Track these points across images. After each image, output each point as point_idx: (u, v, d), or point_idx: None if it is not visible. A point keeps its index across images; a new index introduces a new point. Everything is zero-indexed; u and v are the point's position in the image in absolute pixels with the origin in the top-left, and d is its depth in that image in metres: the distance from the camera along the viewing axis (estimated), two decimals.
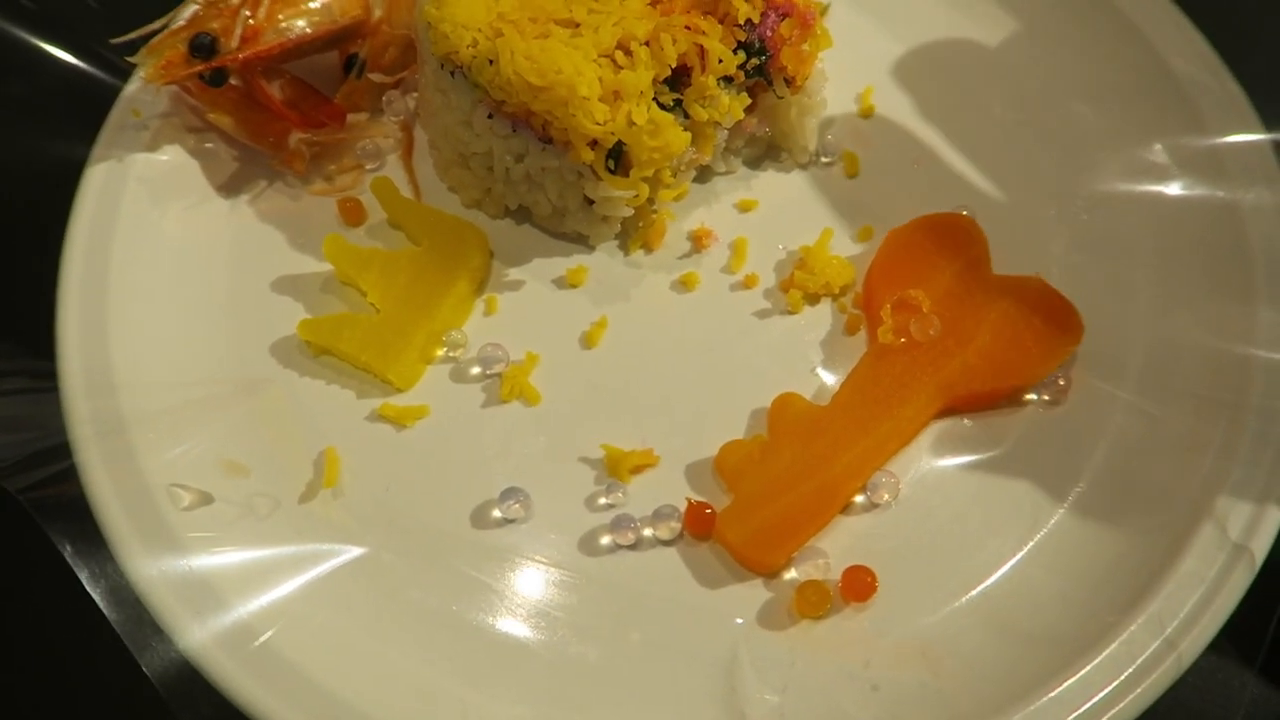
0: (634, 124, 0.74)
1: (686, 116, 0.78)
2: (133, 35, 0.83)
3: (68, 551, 0.65)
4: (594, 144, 0.75)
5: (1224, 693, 0.69)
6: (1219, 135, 0.82)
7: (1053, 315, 0.77)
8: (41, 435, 0.71)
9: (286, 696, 0.64)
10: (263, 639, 0.66)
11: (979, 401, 0.76)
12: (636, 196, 0.78)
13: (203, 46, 0.81)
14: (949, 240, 0.81)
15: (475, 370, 0.79)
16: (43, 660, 0.72)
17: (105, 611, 0.64)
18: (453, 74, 0.78)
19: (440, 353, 0.79)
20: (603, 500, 0.73)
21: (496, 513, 0.73)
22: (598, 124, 0.74)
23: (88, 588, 0.65)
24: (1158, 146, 0.85)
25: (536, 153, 0.79)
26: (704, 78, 0.76)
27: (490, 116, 0.78)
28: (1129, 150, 0.85)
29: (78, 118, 0.85)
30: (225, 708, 0.63)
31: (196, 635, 0.65)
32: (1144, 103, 0.87)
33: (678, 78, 0.77)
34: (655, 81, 0.76)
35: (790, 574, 0.70)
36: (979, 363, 0.76)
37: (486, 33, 0.75)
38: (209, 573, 0.68)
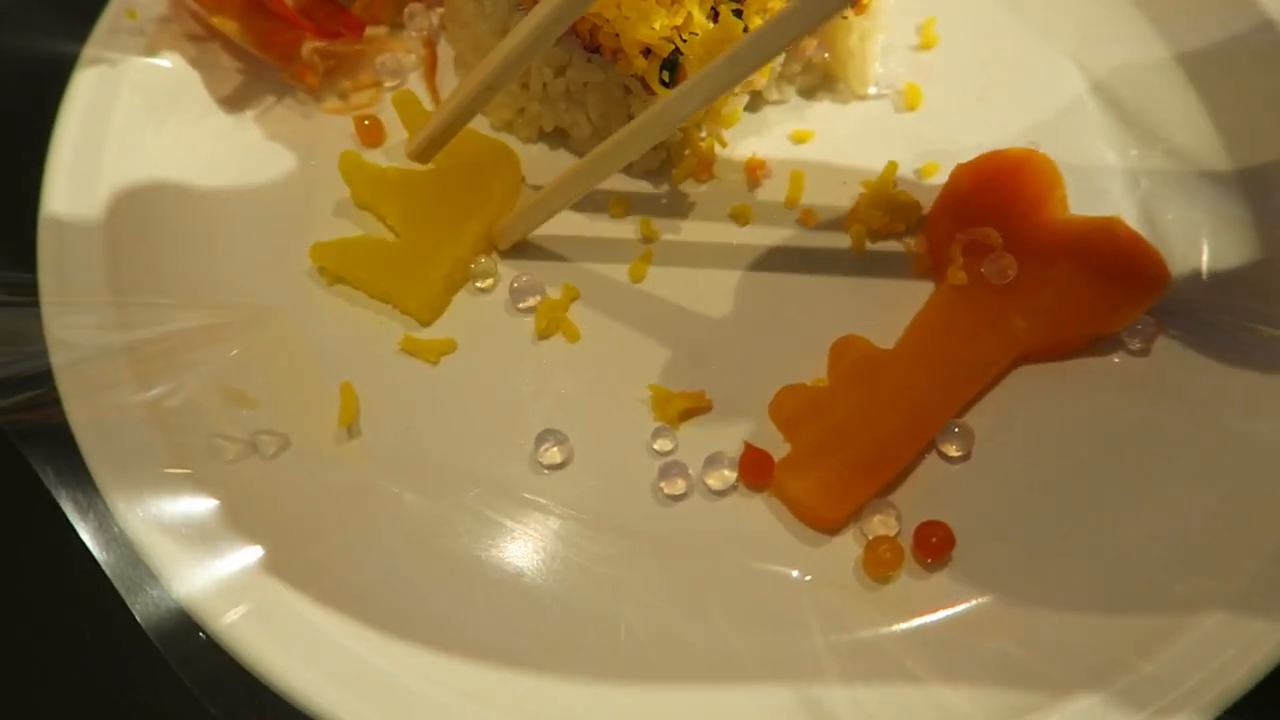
0: (694, 33, 0.67)
1: (745, 31, 0.71)
2: None
3: (50, 481, 0.57)
4: (647, 52, 0.68)
5: None
6: None
7: (1135, 259, 0.71)
8: (26, 355, 0.63)
9: (292, 650, 0.57)
10: (267, 588, 0.59)
11: (1058, 349, 0.70)
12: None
13: None
14: (1021, 177, 0.74)
15: (507, 303, 0.71)
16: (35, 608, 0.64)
17: (94, 553, 0.56)
18: None
19: (467, 283, 0.72)
20: (649, 446, 0.66)
21: (531, 456, 0.66)
22: (653, 29, 0.66)
23: (76, 527, 0.57)
24: (1244, 83, 0.79)
25: (581, 64, 0.72)
26: None
27: None
28: (1215, 88, 0.79)
29: (67, 16, 0.77)
30: (227, 664, 0.56)
31: (194, 583, 0.58)
32: (1226, 37, 0.80)
33: None
34: None
35: (852, 530, 0.64)
36: (1056, 306, 0.69)
37: None
38: (208, 516, 0.61)
